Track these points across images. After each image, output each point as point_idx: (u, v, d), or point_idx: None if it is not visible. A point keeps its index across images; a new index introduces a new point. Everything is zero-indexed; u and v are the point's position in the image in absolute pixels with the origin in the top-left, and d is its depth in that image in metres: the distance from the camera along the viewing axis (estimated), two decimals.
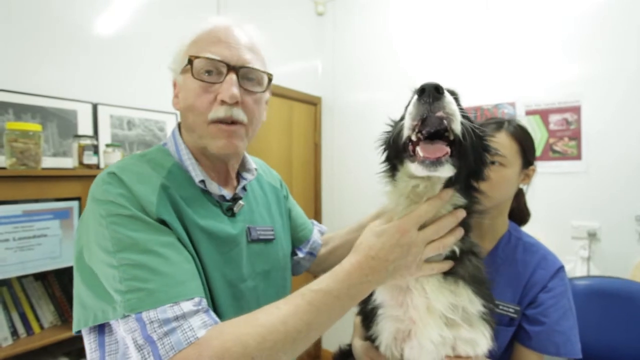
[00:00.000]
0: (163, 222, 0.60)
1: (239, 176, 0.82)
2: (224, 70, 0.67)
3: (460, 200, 0.64)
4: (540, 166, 2.08)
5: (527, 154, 0.95)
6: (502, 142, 0.91)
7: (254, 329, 0.51)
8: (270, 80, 0.77)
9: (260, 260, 0.78)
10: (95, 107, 1.75)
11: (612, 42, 1.92)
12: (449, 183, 0.62)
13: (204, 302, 0.57)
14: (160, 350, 0.50)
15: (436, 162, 0.56)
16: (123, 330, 0.53)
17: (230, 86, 0.67)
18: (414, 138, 0.60)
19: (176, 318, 0.52)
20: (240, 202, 0.77)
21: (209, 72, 0.67)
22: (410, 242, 0.58)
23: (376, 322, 0.73)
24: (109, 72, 1.81)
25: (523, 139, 0.94)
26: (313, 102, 3.12)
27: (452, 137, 0.59)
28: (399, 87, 2.65)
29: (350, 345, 0.90)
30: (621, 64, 1.90)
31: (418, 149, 0.57)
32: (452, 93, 0.63)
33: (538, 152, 2.10)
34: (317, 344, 3.06)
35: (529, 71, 2.13)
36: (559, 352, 0.84)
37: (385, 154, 0.71)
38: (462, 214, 0.63)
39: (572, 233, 2.02)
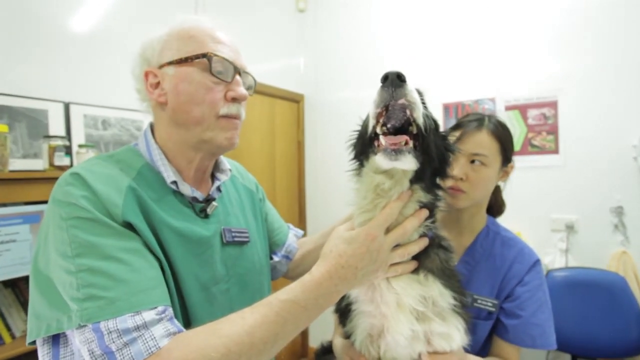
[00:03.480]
0: (129, 225, 0.58)
1: (213, 177, 0.81)
2: (232, 70, 0.70)
3: (425, 197, 0.65)
4: (520, 160, 2.13)
5: (507, 152, 0.95)
6: (483, 142, 0.91)
7: (218, 340, 0.49)
8: (255, 83, 0.82)
9: (235, 263, 0.76)
10: (67, 107, 1.69)
11: (590, 39, 1.96)
12: (414, 180, 0.62)
13: (169, 311, 0.55)
14: None
15: (398, 151, 0.56)
16: (79, 341, 0.50)
17: (240, 86, 0.72)
18: (379, 131, 0.60)
19: (137, 328, 0.49)
20: (214, 203, 0.75)
21: (218, 71, 0.69)
22: (378, 248, 0.59)
23: (350, 319, 0.73)
24: (82, 70, 1.74)
25: (503, 137, 0.94)
26: (296, 100, 3.10)
27: (415, 131, 0.60)
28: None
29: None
30: (597, 60, 1.94)
31: (381, 138, 0.58)
32: (418, 92, 0.64)
33: (517, 147, 2.14)
34: (304, 342, 3.05)
35: (509, 67, 2.16)
36: (535, 344, 0.85)
37: (353, 151, 0.71)
38: (424, 214, 0.64)
39: (552, 226, 2.06)
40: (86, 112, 1.76)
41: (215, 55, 0.68)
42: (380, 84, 0.58)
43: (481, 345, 0.92)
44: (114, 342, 0.48)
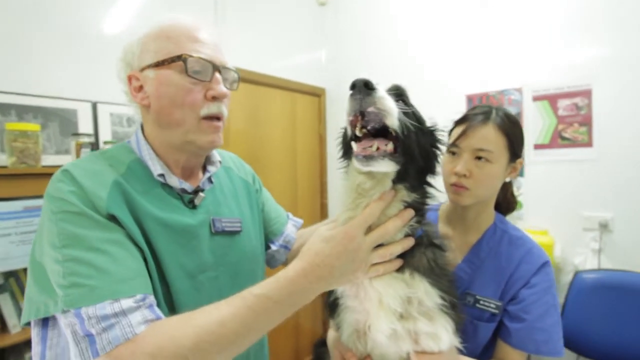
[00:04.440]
0: (113, 218, 0.61)
1: (205, 169, 0.83)
2: (210, 69, 0.70)
3: (409, 196, 0.63)
4: (549, 154, 2.00)
5: (515, 147, 0.90)
6: (488, 137, 0.86)
7: (190, 329, 0.51)
8: (239, 78, 0.80)
9: (225, 252, 0.78)
10: (94, 106, 1.80)
11: (629, 20, 1.79)
12: (397, 180, 0.61)
13: (150, 299, 0.57)
14: (98, 344, 0.51)
15: (369, 157, 0.56)
16: (63, 325, 0.54)
17: (219, 84, 0.71)
18: (359, 134, 0.60)
19: (115, 314, 0.52)
20: (201, 194, 0.77)
21: (195, 71, 0.69)
22: (356, 248, 0.58)
23: (338, 313, 0.73)
24: (109, 72, 1.82)
25: (511, 131, 0.88)
26: (317, 94, 3.09)
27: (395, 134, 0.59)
28: (405, 75, 2.58)
29: None
30: (636, 44, 1.77)
31: (353, 143, 0.58)
32: (397, 89, 0.62)
33: (546, 140, 2.01)
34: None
35: (537, 54, 2.02)
36: (539, 350, 0.81)
37: (341, 150, 0.71)
38: (409, 214, 0.63)
39: (583, 224, 1.92)
40: (112, 111, 1.86)
41: (190, 56, 0.68)
42: (349, 92, 0.57)
43: (483, 348, 0.89)
44: (93, 327, 0.51)
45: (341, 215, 0.65)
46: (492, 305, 0.87)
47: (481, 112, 0.91)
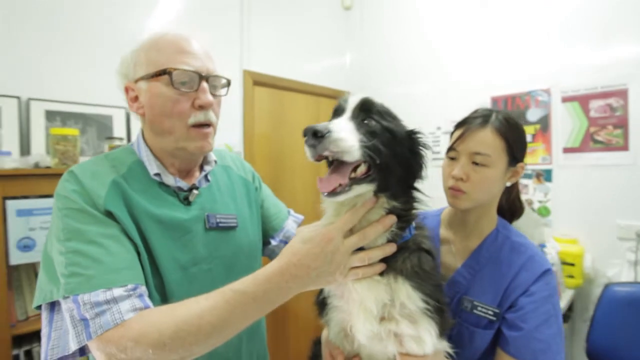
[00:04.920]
0: (110, 214, 0.67)
1: (202, 169, 0.88)
2: (197, 79, 0.75)
3: (391, 203, 0.64)
4: (580, 158, 1.89)
5: (514, 151, 0.88)
6: (485, 140, 0.85)
7: (171, 319, 0.56)
8: (229, 83, 0.85)
9: (219, 246, 0.82)
10: (128, 112, 1.95)
11: None
12: (379, 190, 0.63)
13: (141, 289, 0.63)
14: (91, 328, 0.57)
15: (333, 193, 0.58)
16: (64, 309, 0.61)
17: (205, 93, 0.76)
18: (330, 158, 0.62)
19: (107, 302, 0.58)
20: (194, 191, 0.81)
21: (183, 82, 0.74)
22: (334, 251, 0.59)
23: (326, 312, 0.75)
24: None
25: (509, 134, 0.87)
26: None
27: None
28: (430, 78, 2.55)
29: None
30: None
31: (317, 180, 0.61)
32: (365, 104, 0.64)
33: (577, 143, 1.90)
34: None
35: (567, 53, 1.93)
36: None
37: None
38: (390, 220, 0.64)
39: (618, 233, 1.80)
40: None
41: (176, 69, 0.72)
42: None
43: (481, 355, 0.87)
44: (87, 312, 0.58)
45: (324, 219, 0.67)
46: (489, 312, 0.85)
47: (481, 115, 0.89)
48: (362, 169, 0.61)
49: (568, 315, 1.86)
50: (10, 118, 1.64)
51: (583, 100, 1.86)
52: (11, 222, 1.39)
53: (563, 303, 1.68)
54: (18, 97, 1.66)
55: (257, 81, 2.56)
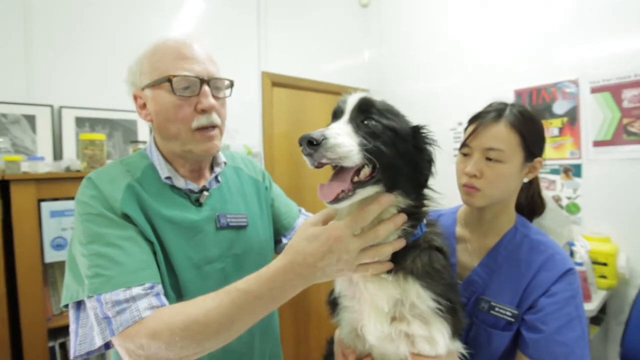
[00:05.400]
0: (127, 216, 0.70)
1: (212, 170, 0.90)
2: (198, 84, 0.76)
3: (403, 202, 0.63)
4: (612, 151, 1.79)
5: (530, 146, 0.84)
6: (499, 135, 0.83)
7: (181, 318, 0.59)
8: (232, 84, 0.85)
9: (230, 245, 0.84)
10: None
11: None
12: (389, 190, 0.61)
13: (158, 287, 0.66)
14: (113, 325, 0.61)
15: (335, 201, 0.56)
16: (88, 308, 0.65)
17: (207, 97, 0.77)
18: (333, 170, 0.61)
19: (127, 300, 0.62)
20: (205, 192, 0.84)
21: (184, 87, 0.76)
22: (342, 249, 0.57)
23: (337, 312, 0.75)
24: None
25: (525, 128, 0.83)
26: None
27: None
28: (452, 72, 2.50)
29: None
30: None
31: (318, 188, 0.58)
32: (363, 104, 0.61)
33: (608, 136, 1.79)
34: None
35: (596, 40, 1.82)
36: None
37: None
38: (402, 219, 0.62)
39: None
40: None
41: (175, 76, 0.74)
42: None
43: (498, 357, 0.84)
44: (109, 310, 0.61)
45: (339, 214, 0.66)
46: (508, 313, 0.82)
47: (494, 109, 0.86)
48: (365, 171, 0.59)
49: (601, 317, 1.77)
50: (44, 125, 1.75)
51: (615, 90, 1.76)
52: (45, 222, 1.48)
53: (595, 305, 1.59)
54: (51, 106, 1.77)
55: (276, 82, 2.59)
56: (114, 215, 0.70)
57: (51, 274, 1.58)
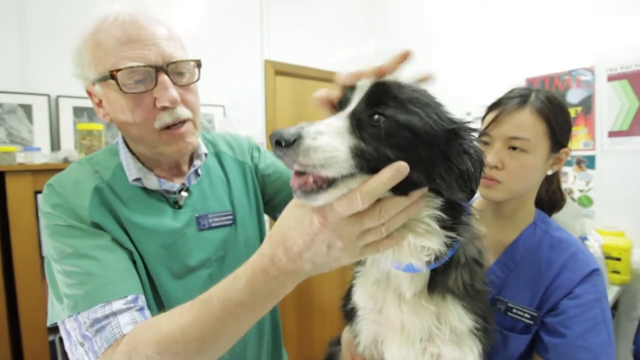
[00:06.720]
0: (97, 225, 0.62)
1: (191, 163, 0.79)
2: (153, 73, 0.62)
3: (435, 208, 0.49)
4: (628, 142, 1.72)
5: (558, 135, 0.78)
6: (524, 123, 0.77)
7: (156, 337, 0.50)
8: (199, 65, 0.70)
9: (216, 247, 0.76)
10: None
11: None
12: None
13: (140, 299, 0.60)
14: (95, 346, 0.54)
15: (305, 193, 0.42)
16: (69, 328, 0.59)
17: (166, 89, 0.62)
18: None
19: (106, 317, 0.55)
20: (183, 193, 0.74)
21: (137, 80, 0.61)
22: (332, 236, 0.42)
23: (355, 322, 0.69)
24: None
25: (552, 116, 0.77)
26: None
27: None
28: (460, 61, 2.42)
29: None
30: None
31: (292, 176, 0.44)
32: (376, 89, 0.48)
33: (625, 126, 1.72)
34: None
35: (613, 25, 1.74)
36: None
37: None
38: (421, 194, 0.45)
39: None
40: None
41: (119, 70, 0.59)
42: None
43: None
44: (87, 330, 0.55)
45: None
46: (526, 315, 0.77)
47: (518, 95, 0.80)
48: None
49: (613, 313, 1.72)
50: (41, 115, 1.69)
51: (633, 78, 1.68)
52: None
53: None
54: (48, 95, 1.71)
55: (279, 71, 2.52)
56: (82, 225, 0.62)
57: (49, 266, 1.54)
